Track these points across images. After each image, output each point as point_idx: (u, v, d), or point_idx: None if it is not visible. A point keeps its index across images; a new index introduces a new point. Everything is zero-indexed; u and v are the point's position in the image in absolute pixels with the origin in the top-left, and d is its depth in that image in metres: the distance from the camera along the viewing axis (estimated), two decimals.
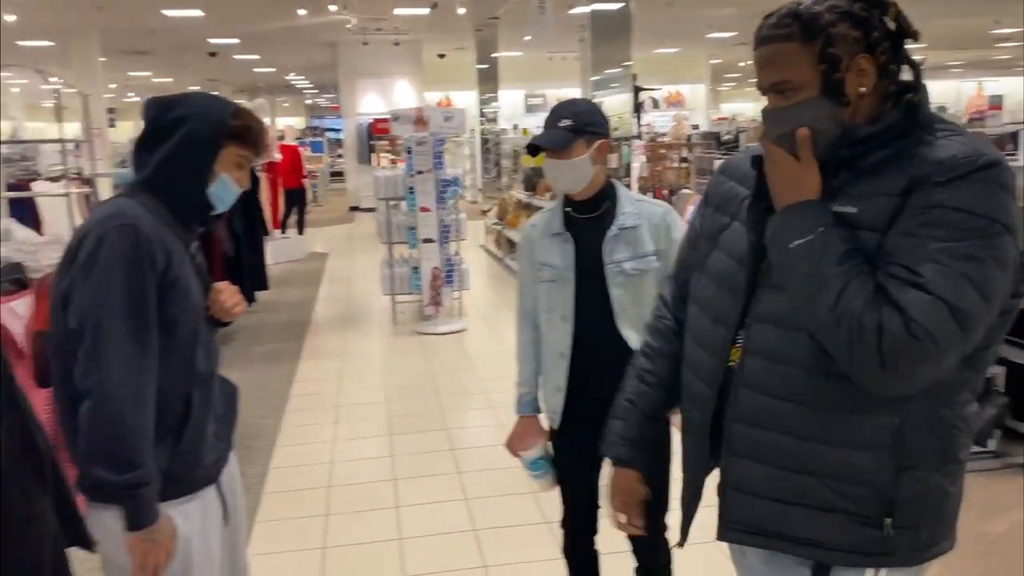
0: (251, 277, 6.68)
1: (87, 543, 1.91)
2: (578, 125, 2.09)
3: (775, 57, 1.29)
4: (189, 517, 1.71)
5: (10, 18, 10.92)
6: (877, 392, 1.24)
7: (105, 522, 1.64)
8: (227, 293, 1.79)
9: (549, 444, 2.30)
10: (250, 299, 6.74)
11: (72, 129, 8.31)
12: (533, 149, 2.16)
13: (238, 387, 1.90)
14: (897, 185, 1.24)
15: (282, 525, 3.52)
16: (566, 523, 2.35)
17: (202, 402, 1.71)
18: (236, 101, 1.81)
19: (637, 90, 10.49)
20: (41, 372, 2.15)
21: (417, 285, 7.02)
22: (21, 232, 2.94)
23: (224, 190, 1.72)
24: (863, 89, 1.27)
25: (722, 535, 1.42)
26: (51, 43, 13.53)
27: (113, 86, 22.41)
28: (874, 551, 1.31)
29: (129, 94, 26.76)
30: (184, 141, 1.65)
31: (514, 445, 2.33)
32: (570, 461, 2.28)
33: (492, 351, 6.34)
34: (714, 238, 1.46)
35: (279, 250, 10.58)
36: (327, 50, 16.54)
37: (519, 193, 9.73)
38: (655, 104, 20.64)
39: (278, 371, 5.75)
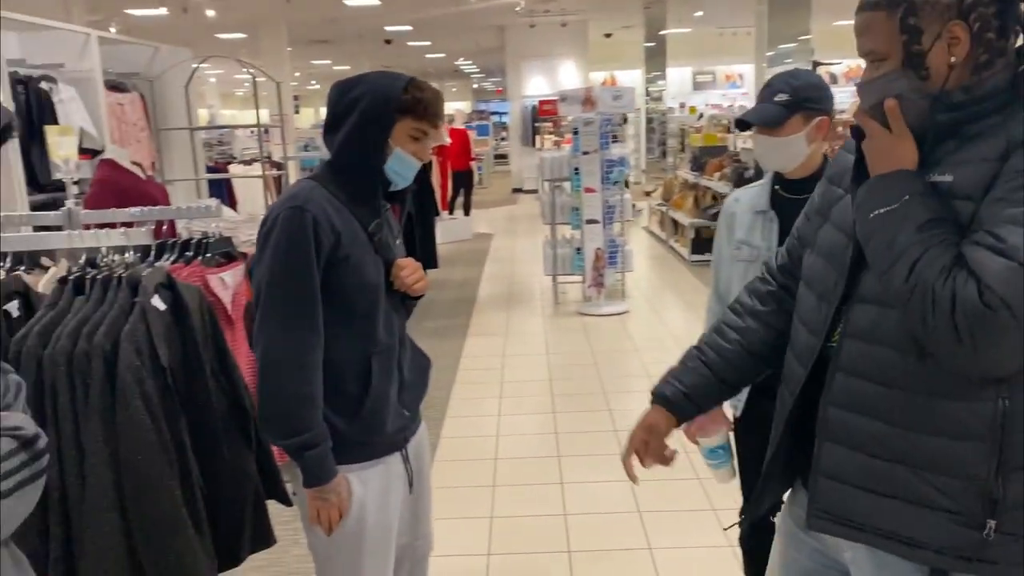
0: (423, 256, 6.95)
1: (284, 498, 2.07)
2: (795, 100, 1.95)
3: (866, 26, 1.25)
4: (367, 482, 1.78)
5: (210, 13, 11.89)
6: (963, 372, 1.16)
7: (300, 476, 1.76)
8: (408, 269, 1.82)
9: (731, 434, 2.24)
10: None
11: (261, 116, 8.95)
12: (742, 124, 2.05)
13: (431, 360, 1.96)
14: (996, 150, 1.17)
15: (452, 493, 3.66)
16: (746, 513, 2.29)
17: (383, 372, 1.77)
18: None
19: (815, 65, 9.94)
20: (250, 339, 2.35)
21: (580, 266, 7.04)
22: (226, 211, 3.21)
23: (401, 165, 1.74)
24: (954, 59, 1.20)
25: (810, 523, 1.35)
26: (243, 35, 14.59)
27: (297, 74, 23.91)
28: (974, 556, 1.19)
29: (312, 82, 28.46)
30: (359, 120, 1.70)
31: (693, 431, 2.27)
32: (754, 452, 2.21)
33: (655, 334, 6.27)
34: (826, 212, 1.41)
35: (447, 230, 10.92)
36: (495, 34, 16.82)
37: (686, 173, 9.52)
38: (833, 79, 19.49)
39: (447, 346, 5.97)
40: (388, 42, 16.80)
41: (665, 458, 1.58)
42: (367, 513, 1.77)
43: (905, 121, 1.22)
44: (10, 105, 4.35)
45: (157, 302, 1.83)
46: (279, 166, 7.12)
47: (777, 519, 1.60)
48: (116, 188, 3.80)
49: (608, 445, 4.12)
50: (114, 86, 5.83)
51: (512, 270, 9.05)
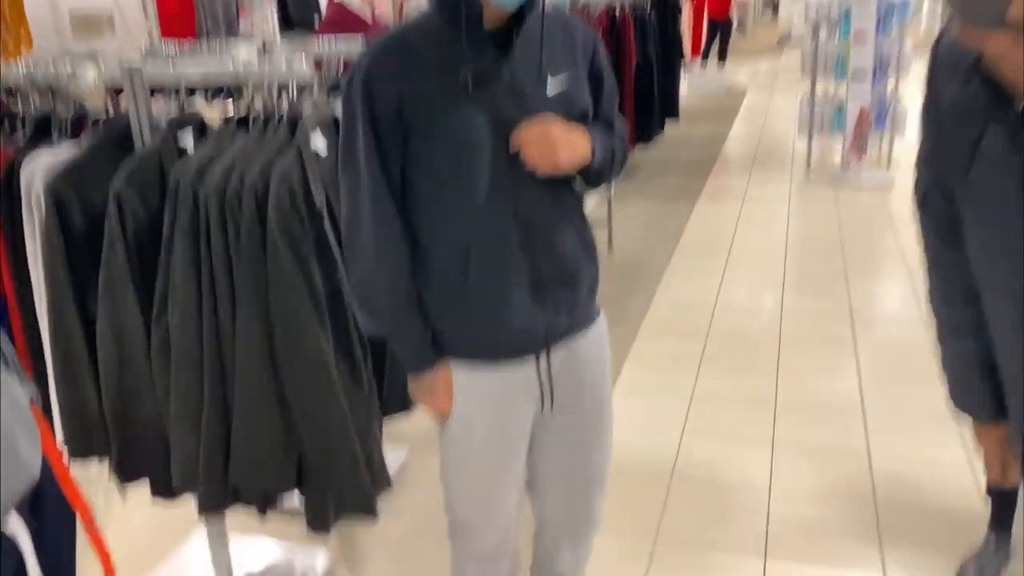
0: (662, 105, 6.46)
1: None
2: None
3: None
4: (477, 387, 1.50)
5: None
6: None
7: None
8: (532, 134, 1.37)
9: None
10: (660, 128, 6.56)
11: None
12: None
13: (586, 250, 1.54)
14: None
15: (654, 365, 3.46)
16: None
17: (487, 260, 1.42)
18: None
19: None
20: None
21: (840, 127, 6.22)
22: None
23: None
24: None
25: None
26: None
27: None
28: None
29: None
30: None
31: None
32: None
33: None
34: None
35: (697, 82, 10.19)
36: None
37: None
38: None
39: (676, 208, 5.61)
40: None
41: None
42: (475, 420, 1.51)
43: None
44: None
45: (318, 142, 1.74)
46: None
47: None
48: (342, 30, 3.80)
49: (839, 331, 3.66)
50: None
51: (764, 129, 8.27)
